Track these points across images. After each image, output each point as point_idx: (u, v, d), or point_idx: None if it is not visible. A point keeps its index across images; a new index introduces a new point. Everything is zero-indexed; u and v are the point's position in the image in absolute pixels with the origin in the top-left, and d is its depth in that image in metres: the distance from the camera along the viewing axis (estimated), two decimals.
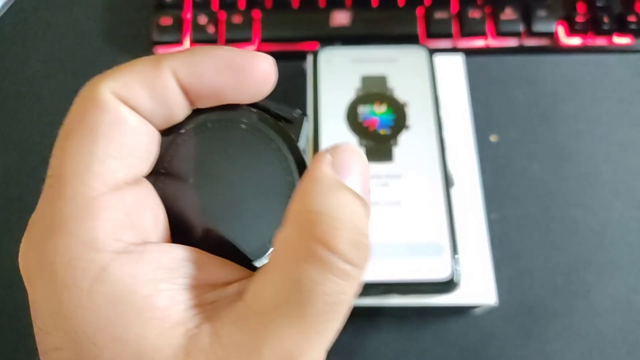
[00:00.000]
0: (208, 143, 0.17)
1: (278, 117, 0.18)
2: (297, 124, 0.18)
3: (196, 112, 0.17)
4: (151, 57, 0.16)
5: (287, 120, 0.18)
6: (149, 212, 0.16)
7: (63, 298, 0.14)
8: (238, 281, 0.16)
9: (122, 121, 0.15)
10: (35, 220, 0.15)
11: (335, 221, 0.14)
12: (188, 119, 0.17)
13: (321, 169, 0.15)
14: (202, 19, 0.41)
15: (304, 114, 0.18)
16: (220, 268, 0.16)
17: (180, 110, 0.16)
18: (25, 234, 0.15)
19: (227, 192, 0.17)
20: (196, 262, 0.15)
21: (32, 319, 0.15)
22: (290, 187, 0.17)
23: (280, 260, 0.15)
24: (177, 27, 0.41)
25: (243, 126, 0.17)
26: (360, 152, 0.16)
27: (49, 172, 0.15)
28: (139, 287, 0.14)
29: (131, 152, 0.16)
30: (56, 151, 0.16)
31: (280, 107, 0.18)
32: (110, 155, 0.15)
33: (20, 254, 0.15)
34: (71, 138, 0.15)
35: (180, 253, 0.15)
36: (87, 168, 0.15)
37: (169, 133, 0.17)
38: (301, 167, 0.17)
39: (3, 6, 0.43)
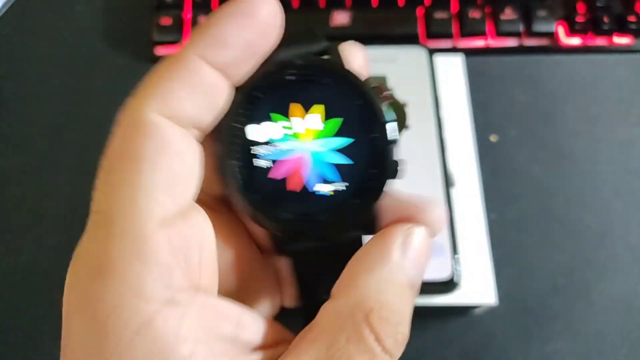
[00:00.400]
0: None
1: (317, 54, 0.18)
2: (334, 52, 0.18)
3: (239, 95, 0.16)
4: (172, 55, 0.15)
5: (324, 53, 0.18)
6: (199, 249, 0.15)
7: (102, 344, 0.13)
8: (277, 346, 0.16)
9: (167, 145, 0.15)
10: (81, 254, 0.15)
11: (391, 315, 0.15)
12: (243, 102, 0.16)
13: (391, 254, 0.16)
14: (202, 19, 0.41)
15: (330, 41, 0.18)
16: (262, 328, 0.16)
17: (223, 94, 0.16)
18: (71, 265, 0.15)
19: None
20: (238, 322, 0.15)
21: (62, 349, 0.14)
22: (360, 109, 0.17)
23: (327, 334, 0.15)
24: (177, 27, 0.41)
25: (293, 77, 0.17)
26: (431, 241, 0.17)
27: (94, 207, 0.15)
28: (180, 347, 0.14)
29: (177, 179, 0.15)
30: (100, 184, 0.15)
31: (308, 45, 0.18)
32: (158, 186, 0.14)
33: (65, 285, 0.15)
34: (115, 170, 0.14)
35: (224, 309, 0.15)
36: (134, 203, 0.14)
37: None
38: (363, 89, 0.17)
39: (3, 6, 0.43)
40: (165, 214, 0.14)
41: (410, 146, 0.34)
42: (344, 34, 0.41)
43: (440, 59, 0.37)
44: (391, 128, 0.17)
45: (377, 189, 0.17)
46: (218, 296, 0.16)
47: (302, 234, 0.17)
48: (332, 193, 0.17)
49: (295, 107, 0.17)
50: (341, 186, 0.17)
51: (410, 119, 0.35)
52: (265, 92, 0.16)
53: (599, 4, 0.42)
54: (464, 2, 0.42)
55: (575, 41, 0.42)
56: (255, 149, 0.16)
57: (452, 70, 0.38)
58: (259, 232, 0.19)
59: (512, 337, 0.33)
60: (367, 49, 0.37)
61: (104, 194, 0.14)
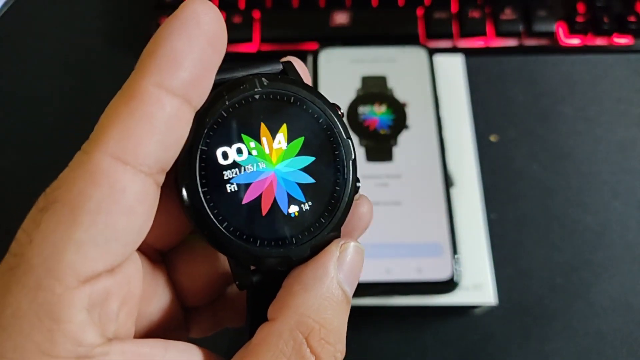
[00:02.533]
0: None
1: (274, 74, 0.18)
2: (291, 70, 0.18)
3: (200, 118, 0.16)
4: (127, 88, 0.14)
5: (282, 73, 0.18)
6: (119, 300, 0.14)
7: None
8: None
9: (116, 198, 0.13)
10: None
11: (330, 335, 0.15)
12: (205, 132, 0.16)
13: (328, 271, 0.16)
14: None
15: (281, 62, 0.18)
16: (193, 357, 0.15)
17: (187, 123, 0.15)
18: None
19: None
20: (163, 357, 0.15)
21: None
22: (321, 128, 0.17)
23: (267, 356, 0.15)
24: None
25: (257, 96, 0.16)
26: (363, 254, 0.17)
27: (15, 248, 0.13)
28: None
29: (117, 237, 0.14)
30: (29, 224, 0.13)
31: (265, 66, 0.18)
32: (92, 243, 0.13)
33: None
34: (50, 211, 0.13)
35: (144, 351, 0.14)
36: (59, 256, 0.13)
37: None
38: (325, 102, 0.17)
39: (3, 6, 0.43)
40: (92, 271, 0.13)
41: (410, 146, 0.34)
42: (344, 34, 0.41)
43: (440, 59, 0.38)
44: (349, 146, 0.17)
45: (340, 206, 0.17)
46: (140, 341, 0.15)
47: (277, 261, 0.16)
48: (297, 213, 0.16)
49: (263, 127, 0.16)
50: (306, 206, 0.17)
51: (410, 119, 0.35)
52: (232, 111, 0.16)
53: (599, 4, 0.42)
54: (464, 2, 0.42)
55: (575, 41, 0.42)
56: (226, 174, 0.16)
57: (452, 70, 0.38)
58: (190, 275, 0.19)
59: (512, 337, 0.33)
60: (366, 49, 0.37)
61: (28, 236, 0.13)
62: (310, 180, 0.17)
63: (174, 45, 0.14)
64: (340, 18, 0.42)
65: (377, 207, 0.32)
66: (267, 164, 0.16)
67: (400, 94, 0.36)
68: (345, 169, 0.17)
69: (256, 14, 0.42)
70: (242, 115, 0.16)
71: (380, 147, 0.34)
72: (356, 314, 0.33)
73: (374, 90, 0.36)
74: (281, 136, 0.16)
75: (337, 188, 0.17)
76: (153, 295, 0.17)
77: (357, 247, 0.17)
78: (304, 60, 0.38)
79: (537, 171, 0.38)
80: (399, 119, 0.35)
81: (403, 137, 0.34)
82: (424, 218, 0.32)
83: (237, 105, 0.16)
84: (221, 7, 0.42)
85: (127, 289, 0.15)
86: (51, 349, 0.13)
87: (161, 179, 0.15)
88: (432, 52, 0.37)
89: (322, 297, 0.15)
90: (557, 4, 0.42)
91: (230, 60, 0.18)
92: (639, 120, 0.40)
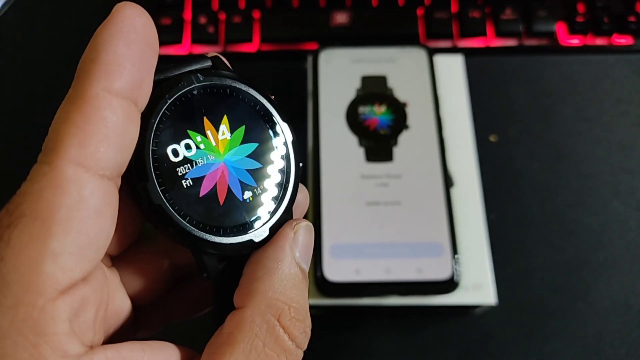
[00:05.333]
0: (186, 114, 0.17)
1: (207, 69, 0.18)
2: (221, 64, 0.18)
3: (145, 119, 0.16)
4: (76, 96, 0.14)
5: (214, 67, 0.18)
6: (96, 308, 0.15)
7: None
8: None
9: (84, 204, 0.13)
10: None
11: (298, 313, 0.16)
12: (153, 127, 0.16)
13: (286, 252, 0.17)
14: (202, 19, 0.41)
15: (207, 58, 0.19)
16: (164, 357, 0.16)
17: (137, 124, 0.15)
18: None
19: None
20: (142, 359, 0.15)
21: None
22: (258, 114, 0.18)
23: (242, 342, 0.15)
24: (177, 27, 0.41)
25: (195, 91, 0.17)
26: (313, 232, 0.18)
27: None
28: None
29: (90, 243, 0.14)
30: (1, 244, 0.13)
31: (196, 64, 0.18)
32: (67, 252, 0.13)
33: None
34: (19, 226, 0.13)
35: (124, 355, 0.15)
36: (37, 269, 0.13)
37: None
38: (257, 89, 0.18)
39: (3, 6, 0.43)
40: (70, 281, 0.13)
41: (410, 146, 0.34)
42: (344, 34, 0.41)
43: (440, 59, 0.38)
44: (287, 129, 0.18)
45: (289, 187, 0.18)
46: (118, 346, 0.15)
47: (241, 246, 0.17)
48: (251, 198, 0.17)
49: (206, 121, 0.17)
50: (258, 190, 0.18)
51: (410, 119, 0.35)
52: (174, 109, 0.17)
53: (599, 4, 0.42)
54: (464, 2, 0.42)
55: (575, 41, 0.42)
56: (180, 170, 0.16)
57: (452, 70, 0.38)
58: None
59: (512, 337, 0.33)
60: (366, 49, 0.37)
61: (3, 256, 0.13)
62: (257, 165, 0.18)
63: (115, 50, 0.14)
64: (340, 18, 0.42)
65: (377, 207, 0.32)
66: (216, 155, 0.17)
67: (400, 94, 0.36)
68: (287, 150, 0.18)
69: (256, 14, 0.42)
70: (185, 112, 0.17)
71: (380, 147, 0.34)
72: (356, 314, 0.33)
73: (374, 90, 0.36)
74: (224, 127, 0.17)
75: (282, 169, 0.18)
76: (111, 300, 0.17)
77: (308, 226, 0.18)
78: (304, 60, 0.38)
79: (537, 171, 0.38)
80: (399, 119, 0.35)
81: (403, 137, 0.34)
82: (424, 218, 0.32)
83: (178, 102, 0.17)
84: (221, 7, 0.42)
85: (100, 296, 0.15)
86: None
87: (119, 182, 0.15)
88: (432, 52, 0.37)
89: (285, 278, 0.16)
90: (557, 4, 0.42)
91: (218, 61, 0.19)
92: (639, 121, 0.40)
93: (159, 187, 0.16)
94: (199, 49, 0.41)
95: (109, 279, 0.17)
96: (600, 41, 0.42)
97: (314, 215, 0.32)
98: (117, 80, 0.14)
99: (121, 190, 0.15)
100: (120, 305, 0.18)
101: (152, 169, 0.16)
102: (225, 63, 0.19)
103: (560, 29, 0.42)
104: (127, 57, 0.14)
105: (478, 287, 0.31)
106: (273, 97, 0.18)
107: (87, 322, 0.14)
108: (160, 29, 0.41)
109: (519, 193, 0.37)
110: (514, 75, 0.41)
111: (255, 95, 0.18)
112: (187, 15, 0.42)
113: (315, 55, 0.37)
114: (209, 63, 0.18)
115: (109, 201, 0.14)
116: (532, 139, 0.39)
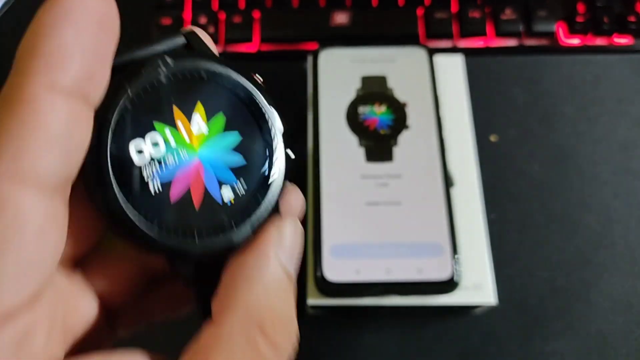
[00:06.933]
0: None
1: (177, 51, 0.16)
2: (197, 41, 0.16)
3: (101, 116, 0.14)
4: (11, 94, 0.12)
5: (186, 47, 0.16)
6: (46, 331, 0.13)
7: None
8: None
9: (22, 224, 0.12)
10: None
11: (281, 319, 0.15)
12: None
13: (268, 253, 0.15)
14: (202, 19, 0.41)
15: (182, 33, 0.16)
16: None
17: (88, 125, 0.13)
18: None
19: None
20: None
21: None
22: (242, 101, 0.16)
23: (222, 354, 0.14)
24: (177, 27, 0.41)
25: (162, 79, 0.15)
26: (301, 230, 0.16)
27: None
28: None
29: (30, 268, 0.12)
30: None
31: (166, 42, 0.16)
32: (4, 277, 0.12)
33: None
34: None
35: None
36: None
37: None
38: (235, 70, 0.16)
39: (3, 6, 0.43)
40: (10, 308, 0.12)
41: (410, 146, 0.34)
42: (344, 34, 0.41)
43: (440, 59, 0.37)
44: (275, 116, 0.16)
45: (274, 182, 0.16)
46: (80, 357, 0.14)
47: (220, 250, 0.15)
48: (232, 201, 0.15)
49: (176, 111, 0.15)
50: (240, 187, 0.15)
51: (410, 119, 0.35)
52: (138, 100, 0.14)
53: (599, 4, 0.42)
54: (464, 2, 0.42)
55: (575, 41, 0.42)
56: (145, 172, 0.14)
57: (452, 70, 0.38)
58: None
59: (512, 337, 0.33)
60: (366, 49, 0.37)
61: None
62: (238, 159, 0.15)
63: (60, 36, 0.12)
64: (340, 18, 0.42)
65: (377, 207, 0.32)
66: (189, 150, 0.15)
67: (400, 94, 0.36)
68: (274, 140, 0.16)
69: (256, 14, 0.42)
70: (150, 103, 0.14)
71: (380, 147, 0.34)
72: (356, 314, 0.33)
73: (374, 90, 0.36)
74: (198, 117, 0.15)
75: (268, 162, 0.16)
76: (76, 308, 0.16)
77: (294, 224, 0.16)
78: (303, 60, 0.38)
79: (537, 171, 0.38)
80: (399, 119, 0.35)
81: (403, 137, 0.34)
82: (424, 218, 0.32)
83: (141, 93, 0.14)
84: (221, 7, 0.42)
85: (52, 316, 0.14)
86: None
87: (68, 190, 0.13)
88: (432, 52, 0.37)
89: (269, 285, 0.15)
90: (557, 4, 0.42)
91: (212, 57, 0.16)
92: None
93: (120, 195, 0.14)
94: None
95: (70, 288, 0.16)
96: (600, 41, 0.42)
97: (314, 215, 0.32)
98: (61, 74, 0.12)
99: (78, 191, 0.14)
100: (87, 311, 0.16)
101: (110, 174, 0.14)
102: (201, 39, 0.16)
103: (560, 29, 0.42)
104: (75, 45, 0.12)
105: (478, 287, 0.31)
106: (261, 80, 0.16)
107: (36, 350, 0.13)
108: (160, 29, 0.41)
109: (519, 193, 0.37)
110: (514, 75, 0.41)
111: (237, 78, 0.15)
112: (187, 15, 0.42)
113: (315, 55, 0.37)
114: (182, 40, 0.16)
115: (53, 217, 0.12)
116: (532, 139, 0.39)
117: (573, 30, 0.41)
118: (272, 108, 0.16)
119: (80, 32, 0.12)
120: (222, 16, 0.42)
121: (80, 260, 0.16)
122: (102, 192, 0.14)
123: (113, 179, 0.14)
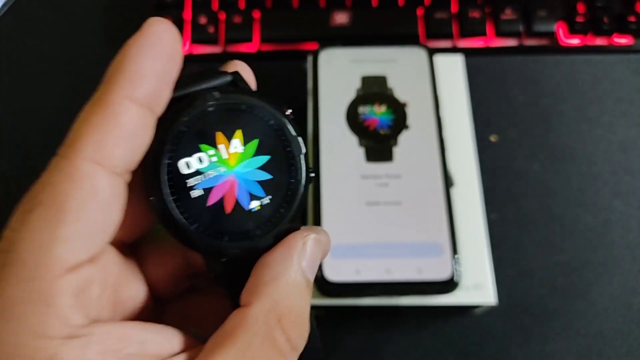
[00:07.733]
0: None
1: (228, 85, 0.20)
2: (240, 80, 0.20)
3: (162, 134, 0.18)
4: (99, 99, 0.16)
5: (232, 84, 0.20)
6: (101, 287, 0.17)
7: None
8: (184, 352, 0.17)
9: (95, 196, 0.15)
10: None
11: (298, 318, 0.18)
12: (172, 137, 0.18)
13: (293, 260, 0.18)
14: (202, 19, 0.41)
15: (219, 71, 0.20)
16: (166, 339, 0.17)
17: (151, 131, 0.17)
18: None
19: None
20: (140, 339, 0.16)
21: None
22: (272, 128, 0.19)
23: (243, 338, 0.16)
24: (177, 27, 0.41)
25: (210, 109, 0.18)
26: (322, 245, 0.19)
27: (4, 246, 0.15)
28: None
29: (97, 230, 0.16)
30: (17, 225, 0.15)
31: (216, 80, 0.19)
32: (76, 237, 0.15)
33: None
34: (38, 216, 0.15)
35: (126, 331, 0.16)
36: (48, 249, 0.15)
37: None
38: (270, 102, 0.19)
39: (3, 6, 0.43)
40: (76, 262, 0.15)
41: (410, 146, 0.34)
42: (344, 34, 0.41)
43: (440, 59, 0.38)
44: (299, 142, 0.19)
45: (297, 197, 0.19)
46: (121, 322, 0.17)
47: (244, 252, 0.18)
48: (259, 208, 0.18)
49: (219, 135, 0.18)
50: (266, 200, 0.19)
51: (410, 119, 0.35)
52: (190, 125, 0.18)
53: (599, 4, 0.42)
54: (464, 2, 0.42)
55: (575, 41, 0.42)
56: (190, 182, 0.18)
57: (452, 70, 0.38)
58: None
59: (512, 337, 0.33)
60: (366, 49, 0.37)
61: (17, 234, 0.15)
62: (267, 176, 0.19)
63: (140, 62, 0.16)
64: (340, 18, 0.42)
65: (377, 207, 0.32)
66: (226, 167, 0.18)
67: (400, 94, 0.36)
68: (298, 162, 0.19)
69: (256, 14, 0.42)
70: (199, 128, 0.18)
71: (380, 147, 0.34)
72: (356, 314, 0.33)
73: (374, 90, 0.36)
74: (237, 141, 0.18)
75: (292, 181, 0.19)
76: (126, 284, 0.19)
77: (316, 239, 0.19)
78: (303, 60, 0.38)
79: (537, 171, 0.38)
80: (399, 119, 0.35)
81: (403, 137, 0.34)
82: (424, 218, 0.32)
83: (193, 119, 0.18)
84: (221, 7, 0.42)
85: (105, 276, 0.17)
86: (44, 330, 0.14)
87: (128, 178, 0.17)
88: (432, 52, 0.37)
89: (291, 284, 0.18)
90: (557, 4, 0.42)
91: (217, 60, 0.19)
92: None
93: (170, 197, 0.17)
94: (199, 49, 0.41)
95: (124, 266, 0.19)
96: (600, 41, 0.42)
97: (314, 215, 0.32)
98: (137, 89, 0.16)
99: (132, 185, 0.17)
100: (137, 291, 0.19)
101: (165, 181, 0.17)
102: (244, 79, 0.20)
103: (560, 29, 0.42)
104: (151, 70, 0.16)
105: (478, 287, 0.31)
106: (290, 112, 0.20)
107: (92, 298, 0.16)
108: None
109: (519, 193, 0.37)
110: (514, 75, 0.41)
111: (270, 111, 0.19)
112: (187, 15, 0.42)
113: (315, 55, 0.37)
114: (229, 78, 0.20)
115: (117, 195, 0.16)
116: (532, 139, 0.39)
117: (573, 30, 0.41)
118: (297, 135, 0.19)
119: (155, 61, 0.16)
120: (222, 16, 0.42)
121: (133, 245, 0.20)
122: (155, 193, 0.17)
123: (164, 184, 0.17)
